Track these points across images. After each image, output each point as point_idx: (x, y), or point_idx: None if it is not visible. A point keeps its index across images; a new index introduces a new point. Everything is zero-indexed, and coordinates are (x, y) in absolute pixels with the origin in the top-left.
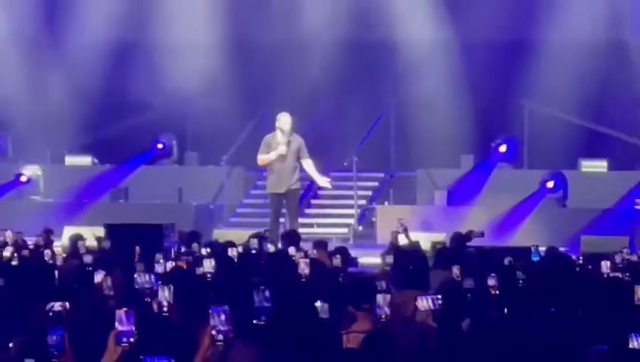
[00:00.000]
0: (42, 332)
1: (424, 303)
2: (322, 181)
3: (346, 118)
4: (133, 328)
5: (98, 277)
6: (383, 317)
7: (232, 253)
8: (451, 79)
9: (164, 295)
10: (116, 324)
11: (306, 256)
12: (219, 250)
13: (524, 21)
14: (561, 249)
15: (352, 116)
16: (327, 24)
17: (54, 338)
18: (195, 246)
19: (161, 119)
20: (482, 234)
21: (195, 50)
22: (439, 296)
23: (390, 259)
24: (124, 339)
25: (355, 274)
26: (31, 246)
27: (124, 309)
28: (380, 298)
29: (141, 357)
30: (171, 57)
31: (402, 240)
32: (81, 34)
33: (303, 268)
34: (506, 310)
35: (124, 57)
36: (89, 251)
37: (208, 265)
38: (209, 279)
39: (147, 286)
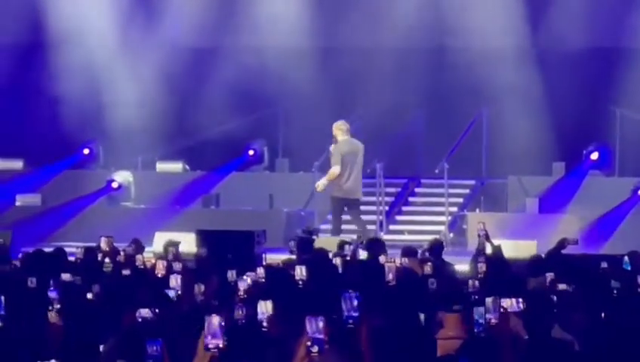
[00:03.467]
0: (133, 338)
1: (509, 303)
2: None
3: (437, 125)
4: (223, 334)
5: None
6: (493, 321)
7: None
8: (543, 86)
9: (265, 308)
10: (205, 331)
11: (394, 263)
12: (312, 257)
13: (616, 28)
14: None
15: (443, 123)
16: (419, 31)
17: (154, 348)
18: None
19: (253, 126)
20: (576, 242)
21: (286, 55)
22: (522, 300)
23: (484, 266)
24: (213, 346)
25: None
26: (122, 254)
27: (214, 315)
28: (488, 301)
29: None
30: (261, 63)
31: (485, 246)
32: (172, 39)
33: (390, 275)
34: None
35: (214, 63)
36: (181, 258)
37: (300, 273)
38: (300, 286)
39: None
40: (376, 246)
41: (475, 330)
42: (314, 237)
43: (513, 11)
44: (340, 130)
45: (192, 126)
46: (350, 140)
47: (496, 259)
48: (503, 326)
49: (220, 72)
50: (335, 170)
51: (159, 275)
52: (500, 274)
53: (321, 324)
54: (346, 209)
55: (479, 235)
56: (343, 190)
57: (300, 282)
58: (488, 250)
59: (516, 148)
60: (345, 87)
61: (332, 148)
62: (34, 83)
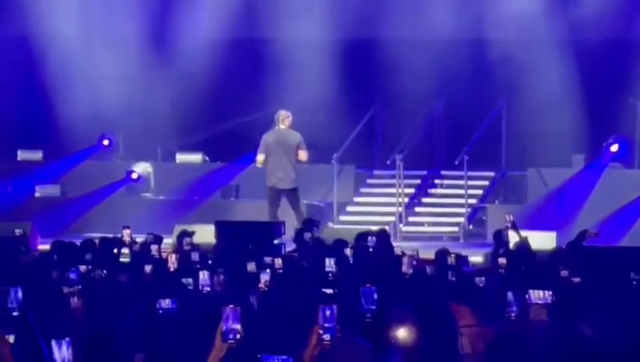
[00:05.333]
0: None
1: (538, 294)
2: None
3: (457, 117)
4: (239, 325)
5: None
6: (513, 316)
7: (346, 251)
8: (562, 78)
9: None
10: (222, 321)
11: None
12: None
13: (635, 19)
14: None
15: (463, 115)
16: (437, 22)
17: None
18: (307, 235)
19: (272, 117)
20: (597, 235)
21: (307, 47)
22: (551, 292)
23: (503, 260)
24: (230, 337)
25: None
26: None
27: (231, 306)
28: (510, 296)
29: (259, 355)
30: (281, 55)
31: (512, 237)
32: (193, 32)
33: (406, 266)
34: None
35: (234, 55)
36: (197, 248)
37: (329, 264)
38: (330, 278)
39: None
40: (385, 237)
41: (498, 323)
42: (314, 228)
43: (533, 3)
44: (278, 119)
45: (212, 117)
46: (280, 130)
47: (523, 251)
48: (526, 318)
49: (240, 63)
50: (257, 157)
51: (172, 269)
52: (527, 265)
53: (333, 313)
54: (284, 198)
55: (507, 226)
56: (270, 179)
57: (330, 275)
58: (515, 240)
59: (536, 140)
60: (364, 79)
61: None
62: (52, 74)
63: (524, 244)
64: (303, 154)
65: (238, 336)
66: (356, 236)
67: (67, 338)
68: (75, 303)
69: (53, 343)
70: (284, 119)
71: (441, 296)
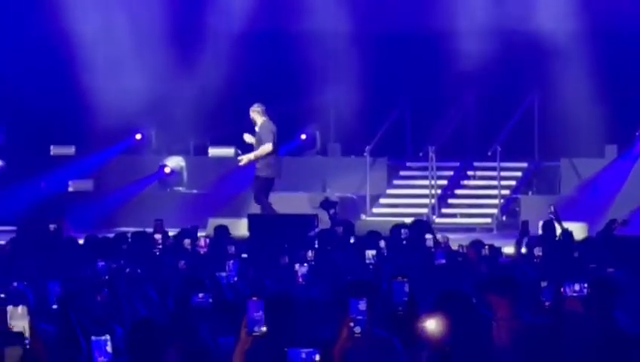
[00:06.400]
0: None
1: (573, 286)
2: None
3: (489, 108)
4: (264, 317)
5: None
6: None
7: (380, 244)
8: (595, 69)
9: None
10: (247, 313)
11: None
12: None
13: None
14: None
15: (495, 106)
16: (466, 15)
17: None
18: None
19: (305, 110)
20: (626, 223)
21: (336, 39)
22: (586, 284)
23: (539, 250)
24: (256, 329)
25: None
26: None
27: (255, 298)
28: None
29: (285, 349)
30: (313, 47)
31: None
32: (225, 24)
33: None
34: None
35: (266, 47)
36: (233, 242)
37: (370, 255)
38: (371, 268)
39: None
40: (422, 226)
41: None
42: (331, 210)
43: None
44: (257, 112)
45: (244, 110)
46: (271, 121)
47: (565, 241)
48: (561, 309)
49: (272, 56)
50: (267, 147)
51: (201, 252)
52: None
53: (364, 306)
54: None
55: (550, 217)
56: (270, 170)
57: (371, 266)
58: (558, 231)
59: (569, 130)
60: (395, 72)
61: (259, 128)
62: (84, 69)
63: (567, 235)
64: None
65: (263, 328)
66: (391, 228)
67: (107, 336)
68: (106, 296)
69: (94, 340)
70: (265, 111)
71: (474, 287)
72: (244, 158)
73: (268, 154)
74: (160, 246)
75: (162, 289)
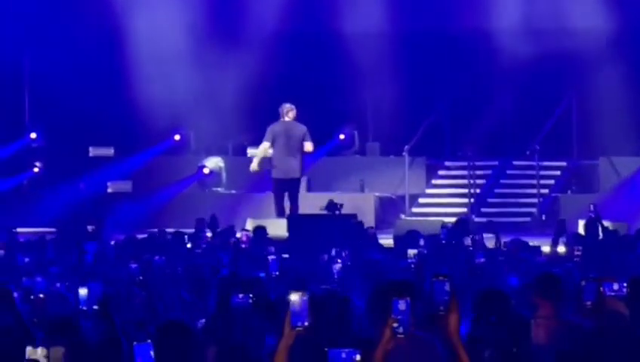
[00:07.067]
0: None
1: (612, 285)
2: None
3: (527, 107)
4: (307, 312)
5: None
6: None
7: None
8: (633, 67)
9: None
10: (290, 308)
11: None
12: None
13: None
14: None
15: (533, 104)
16: (504, 13)
17: None
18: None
19: (343, 110)
20: None
21: (374, 40)
22: (625, 284)
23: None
24: (299, 323)
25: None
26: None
27: (299, 293)
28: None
29: (326, 349)
30: (351, 48)
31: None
32: (261, 24)
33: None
34: None
35: (303, 47)
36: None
37: (412, 254)
38: (413, 268)
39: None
40: (463, 226)
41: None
42: (337, 212)
43: None
44: (283, 112)
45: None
46: (286, 122)
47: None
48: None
49: (310, 56)
50: (261, 146)
51: (242, 246)
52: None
53: (406, 306)
54: (286, 192)
55: (590, 216)
56: (275, 171)
57: (412, 266)
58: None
59: (607, 128)
60: (432, 71)
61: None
62: (124, 70)
63: (609, 234)
64: (308, 146)
65: (306, 323)
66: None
67: (150, 341)
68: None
69: (136, 346)
70: (288, 112)
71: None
72: (253, 165)
73: (270, 154)
74: (204, 246)
75: (200, 290)
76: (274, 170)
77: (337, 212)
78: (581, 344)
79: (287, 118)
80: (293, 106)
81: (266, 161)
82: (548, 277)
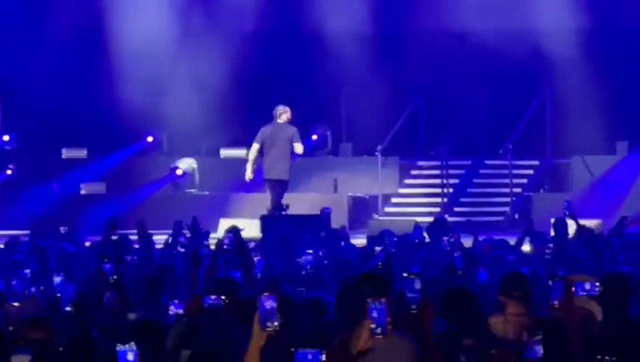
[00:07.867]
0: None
1: (583, 285)
2: None
3: (500, 107)
4: (277, 313)
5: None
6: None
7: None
8: (606, 65)
9: None
10: (259, 309)
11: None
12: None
13: None
14: None
15: (506, 104)
16: (476, 14)
17: None
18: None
19: (316, 110)
20: (638, 221)
21: (348, 39)
22: (597, 283)
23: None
24: (268, 324)
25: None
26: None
27: (266, 294)
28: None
29: (292, 349)
30: (325, 47)
31: (570, 225)
32: (236, 24)
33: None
34: None
35: (278, 47)
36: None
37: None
38: (380, 267)
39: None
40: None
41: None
42: (283, 213)
43: None
44: (276, 114)
45: (254, 111)
46: (278, 124)
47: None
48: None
49: (283, 57)
50: (252, 148)
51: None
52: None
53: (384, 307)
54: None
55: (564, 213)
56: (267, 173)
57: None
58: (573, 229)
59: (579, 128)
60: (406, 71)
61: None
62: (96, 72)
63: (583, 232)
64: (298, 147)
65: (276, 323)
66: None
67: (133, 344)
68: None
69: (120, 350)
70: (281, 114)
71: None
72: (247, 173)
73: (252, 155)
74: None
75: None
76: (265, 171)
77: (283, 212)
78: (547, 340)
79: (279, 120)
80: (287, 108)
81: (257, 162)
82: (513, 276)
